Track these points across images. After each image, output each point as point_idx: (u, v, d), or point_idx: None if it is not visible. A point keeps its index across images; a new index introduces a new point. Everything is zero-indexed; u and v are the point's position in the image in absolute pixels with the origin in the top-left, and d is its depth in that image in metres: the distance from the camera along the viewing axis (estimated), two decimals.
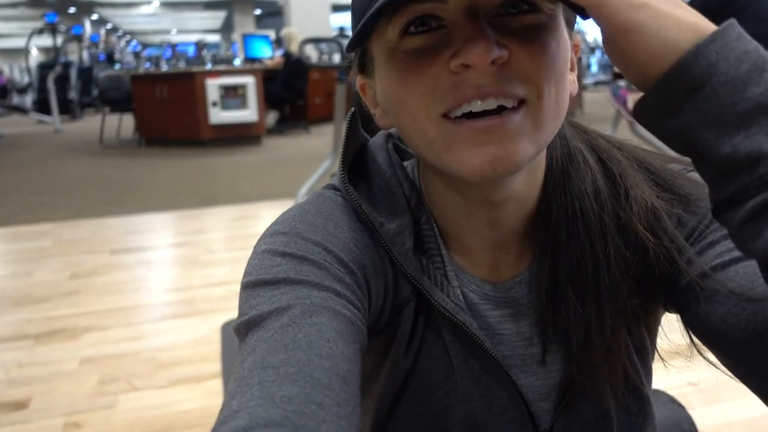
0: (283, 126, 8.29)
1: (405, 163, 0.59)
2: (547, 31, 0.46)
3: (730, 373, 0.48)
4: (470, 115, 0.45)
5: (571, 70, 0.51)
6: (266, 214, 3.95)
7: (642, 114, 0.40)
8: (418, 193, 0.57)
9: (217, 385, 1.83)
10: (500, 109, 0.44)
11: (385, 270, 0.54)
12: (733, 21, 0.38)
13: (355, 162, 0.58)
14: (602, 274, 0.52)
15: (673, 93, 0.38)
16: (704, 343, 0.51)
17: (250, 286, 0.48)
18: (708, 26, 0.38)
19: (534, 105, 0.45)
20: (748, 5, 3.00)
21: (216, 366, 1.95)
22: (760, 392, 0.45)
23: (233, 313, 2.33)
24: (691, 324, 0.51)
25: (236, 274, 2.80)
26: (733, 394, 1.64)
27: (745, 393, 1.68)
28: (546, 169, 0.55)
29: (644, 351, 0.58)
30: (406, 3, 0.44)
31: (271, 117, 8.53)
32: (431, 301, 0.53)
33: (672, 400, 0.95)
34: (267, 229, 0.54)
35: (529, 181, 0.53)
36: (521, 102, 0.45)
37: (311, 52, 8.48)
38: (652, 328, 0.59)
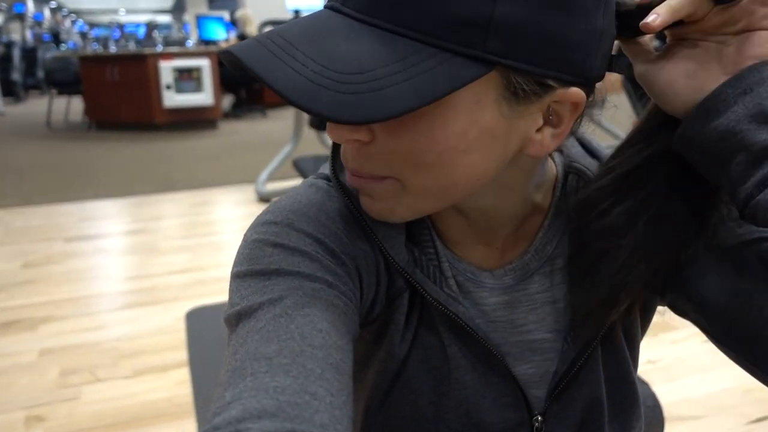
0: (239, 110, 8.15)
1: None
2: (420, 118, 0.41)
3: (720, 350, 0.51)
4: None
5: (553, 125, 0.46)
6: (225, 200, 3.90)
7: (691, 120, 0.44)
8: None
9: (183, 374, 1.80)
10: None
11: (376, 261, 0.54)
12: None
13: None
14: (603, 263, 0.53)
15: (727, 96, 0.42)
16: (701, 320, 0.53)
17: (240, 276, 0.48)
18: None
19: (401, 183, 0.46)
20: None
21: (182, 355, 1.92)
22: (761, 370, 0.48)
23: (197, 301, 2.31)
24: (690, 300, 0.53)
25: (198, 261, 2.76)
26: (691, 371, 1.71)
27: (703, 370, 1.77)
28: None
29: (634, 338, 0.60)
30: None
31: (227, 101, 8.38)
32: (423, 293, 0.54)
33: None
34: (257, 218, 0.54)
35: (501, 198, 0.53)
36: (387, 177, 0.46)
37: None
38: (645, 315, 0.61)
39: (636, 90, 3.39)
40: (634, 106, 3.49)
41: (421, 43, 0.40)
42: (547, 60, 0.42)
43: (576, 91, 0.44)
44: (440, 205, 0.49)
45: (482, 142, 0.44)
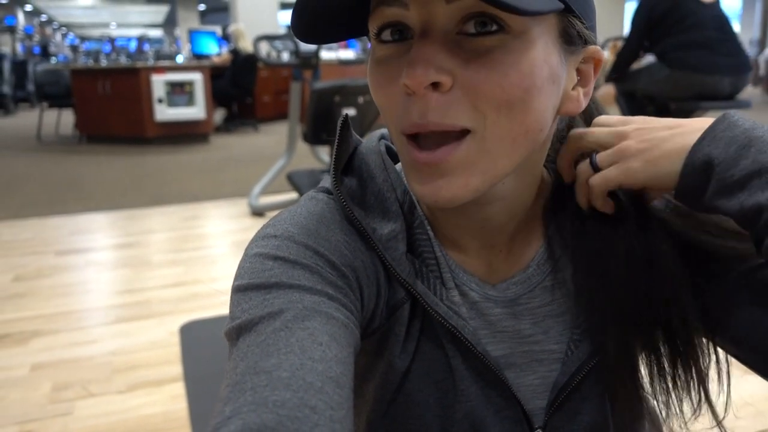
0: (231, 124, 8.15)
1: (397, 166, 0.60)
2: (507, 52, 0.44)
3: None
4: (417, 137, 0.47)
5: (582, 84, 0.51)
6: (217, 214, 3.88)
7: (682, 202, 0.50)
8: (411, 196, 0.58)
9: (178, 389, 1.78)
10: (445, 136, 0.46)
11: (377, 273, 0.54)
12: (726, 113, 0.48)
13: (348, 165, 0.58)
14: (612, 285, 0.53)
15: (692, 187, 0.48)
16: (722, 341, 0.54)
17: (241, 290, 0.48)
18: (700, 126, 0.48)
19: (480, 135, 0.45)
20: (687, 15, 3.12)
21: (176, 369, 1.90)
22: None
23: (190, 315, 2.30)
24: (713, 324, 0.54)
25: (191, 274, 2.74)
26: None
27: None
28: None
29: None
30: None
31: (219, 115, 8.38)
32: (424, 304, 0.54)
33: None
34: (258, 231, 0.54)
35: (516, 184, 0.53)
36: (466, 131, 0.45)
37: (263, 50, 8.38)
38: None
39: (628, 104, 3.42)
40: None
41: None
42: (588, 15, 0.49)
43: (600, 50, 0.51)
44: (510, 166, 0.48)
45: (549, 85, 0.47)
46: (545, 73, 0.45)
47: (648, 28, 3.19)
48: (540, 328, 0.57)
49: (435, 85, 0.44)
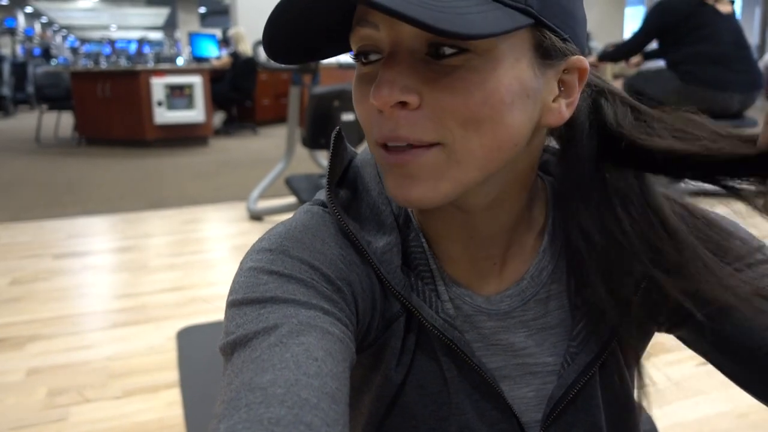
0: (231, 127, 8.16)
1: None
2: (472, 72, 0.43)
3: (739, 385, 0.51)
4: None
5: (566, 96, 0.49)
6: (216, 217, 3.88)
7: None
8: (407, 209, 0.57)
9: (174, 395, 1.78)
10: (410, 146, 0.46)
11: (372, 286, 0.54)
12: None
13: (342, 178, 0.58)
14: (601, 294, 0.53)
15: None
16: (716, 359, 0.54)
17: (236, 305, 0.47)
18: None
19: (450, 148, 0.45)
20: (704, 25, 3.08)
21: (173, 375, 1.89)
22: None
23: (188, 320, 2.29)
24: (705, 341, 0.54)
25: (188, 279, 2.73)
26: (684, 395, 1.71)
27: (697, 393, 1.76)
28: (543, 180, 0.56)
29: (635, 362, 0.60)
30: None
31: (218, 118, 8.38)
32: (420, 317, 0.54)
33: None
34: (253, 245, 0.53)
35: (500, 194, 0.53)
36: (435, 144, 0.45)
37: (262, 54, 8.40)
38: (641, 344, 0.61)
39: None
40: None
41: None
42: (566, 26, 0.47)
43: (583, 59, 0.49)
44: (482, 175, 0.47)
45: (521, 100, 0.46)
46: (515, 89, 0.45)
47: (659, 32, 3.17)
48: (534, 340, 0.57)
49: (403, 104, 0.44)
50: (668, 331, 0.58)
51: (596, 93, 0.54)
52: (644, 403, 0.58)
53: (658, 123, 0.52)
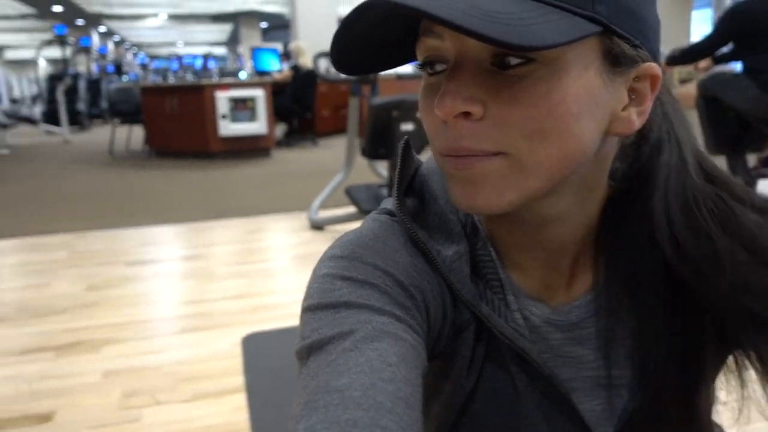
0: (291, 139, 8.33)
1: None
2: (538, 82, 0.43)
3: None
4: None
5: (637, 104, 0.48)
6: (278, 227, 3.96)
7: None
8: (474, 217, 0.58)
9: (240, 400, 1.83)
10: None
11: (443, 295, 0.53)
12: None
13: (409, 186, 0.58)
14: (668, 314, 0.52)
15: None
16: None
17: (311, 310, 0.49)
18: None
19: (515, 158, 0.45)
20: None
21: (239, 380, 1.95)
22: None
23: (253, 327, 2.35)
24: None
25: (252, 287, 2.81)
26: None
27: None
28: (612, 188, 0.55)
29: (713, 378, 0.58)
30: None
31: (280, 130, 8.57)
32: (490, 326, 0.54)
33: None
34: (325, 253, 0.54)
35: (572, 205, 0.52)
36: (498, 153, 0.45)
37: (322, 66, 8.56)
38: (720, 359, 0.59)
39: (708, 109, 3.28)
40: (703, 125, 3.40)
41: (539, 2, 0.42)
42: (637, 32, 0.46)
43: (655, 66, 0.48)
44: (549, 185, 0.47)
45: (589, 109, 0.45)
46: (582, 99, 0.44)
47: (736, 36, 3.05)
48: (603, 353, 0.56)
49: (466, 114, 0.44)
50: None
51: (655, 145, 0.52)
52: (719, 420, 0.56)
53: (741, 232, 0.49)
